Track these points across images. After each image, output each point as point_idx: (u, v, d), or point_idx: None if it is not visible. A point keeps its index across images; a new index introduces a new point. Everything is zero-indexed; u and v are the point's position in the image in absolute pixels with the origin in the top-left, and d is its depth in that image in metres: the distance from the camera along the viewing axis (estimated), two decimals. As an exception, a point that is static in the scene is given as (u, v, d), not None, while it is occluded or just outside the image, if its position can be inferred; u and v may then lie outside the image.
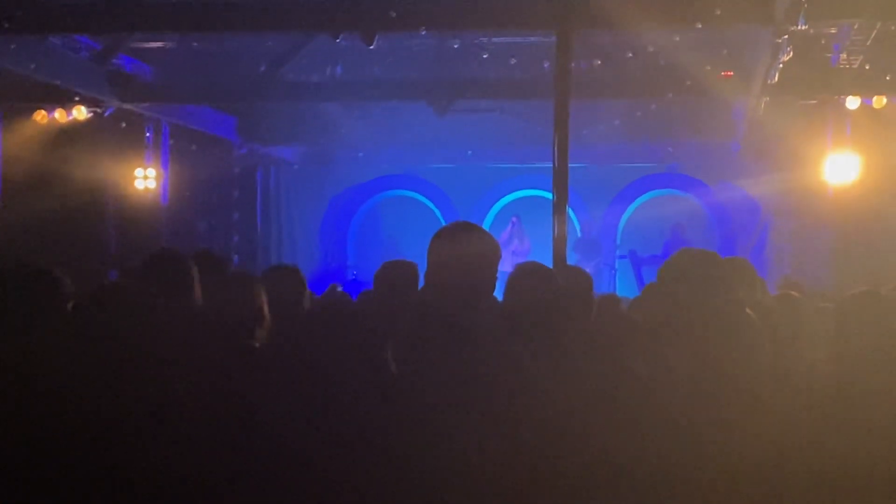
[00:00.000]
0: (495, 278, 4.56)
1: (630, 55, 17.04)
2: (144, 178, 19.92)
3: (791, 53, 13.90)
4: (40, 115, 18.09)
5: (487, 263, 4.49)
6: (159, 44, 17.68)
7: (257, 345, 5.01)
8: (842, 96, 17.21)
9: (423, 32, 15.66)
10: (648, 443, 4.43)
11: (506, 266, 17.48)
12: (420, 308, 4.39)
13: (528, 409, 4.18)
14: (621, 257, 24.56)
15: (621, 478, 4.33)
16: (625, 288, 22.66)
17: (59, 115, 18.05)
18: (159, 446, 3.70)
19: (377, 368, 4.22)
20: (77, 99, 17.68)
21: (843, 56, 16.15)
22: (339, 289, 13.17)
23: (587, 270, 6.74)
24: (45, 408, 3.67)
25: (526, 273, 5.69)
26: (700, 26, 14.00)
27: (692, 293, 4.79)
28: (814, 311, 6.53)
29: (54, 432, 3.61)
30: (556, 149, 10.73)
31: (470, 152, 23.26)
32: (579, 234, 23.97)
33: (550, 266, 10.09)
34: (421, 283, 5.10)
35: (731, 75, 17.03)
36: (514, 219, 23.98)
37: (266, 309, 5.31)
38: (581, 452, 4.45)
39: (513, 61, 17.59)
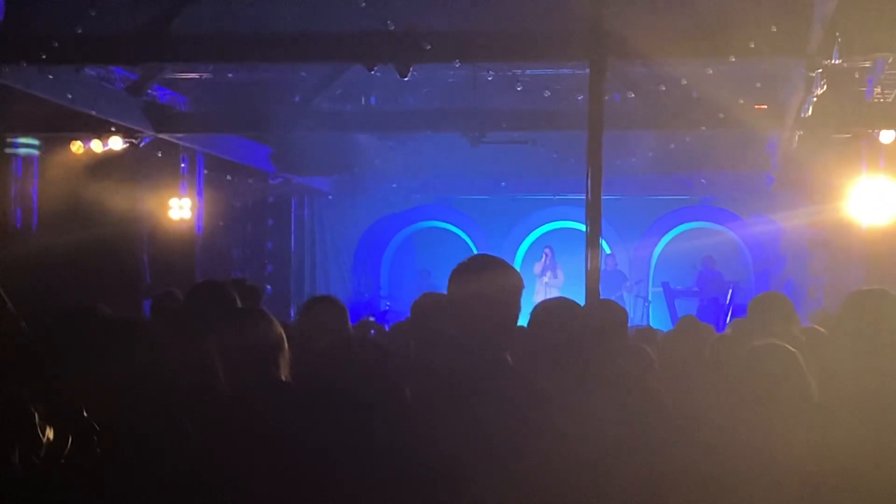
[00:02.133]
0: (518, 313, 4.52)
1: (663, 87, 17.03)
2: (179, 208, 20.01)
3: (825, 87, 13.86)
4: (76, 146, 18.20)
5: (509, 299, 4.46)
6: (194, 74, 17.80)
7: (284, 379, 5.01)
8: (876, 130, 17.15)
9: (457, 64, 15.71)
10: (683, 478, 4.43)
11: (539, 297, 17.43)
12: (447, 343, 4.37)
13: (554, 445, 4.18)
14: (654, 289, 24.54)
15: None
16: (658, 320, 22.62)
17: (96, 145, 18.15)
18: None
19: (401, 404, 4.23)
20: (113, 129, 17.78)
21: (877, 90, 16.12)
22: (372, 319, 13.21)
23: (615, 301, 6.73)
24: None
25: (549, 310, 5.69)
26: (734, 59, 13.99)
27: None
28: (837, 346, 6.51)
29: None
30: (589, 180, 10.74)
31: (503, 183, 23.30)
32: (604, 266, 23.93)
33: (583, 298, 10.13)
34: None
35: (764, 108, 17.00)
36: (546, 250, 23.97)
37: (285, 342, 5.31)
38: (606, 488, 4.46)
39: (547, 93, 17.61)
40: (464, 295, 4.42)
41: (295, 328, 6.79)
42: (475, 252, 23.14)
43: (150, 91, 17.59)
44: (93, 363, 4.03)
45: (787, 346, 5.04)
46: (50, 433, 3.46)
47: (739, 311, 18.62)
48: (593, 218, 10.75)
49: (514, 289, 4.49)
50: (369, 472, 3.54)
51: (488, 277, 4.43)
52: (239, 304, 6.29)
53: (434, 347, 5.66)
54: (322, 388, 4.02)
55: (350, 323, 6.73)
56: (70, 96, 15.64)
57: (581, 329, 5.60)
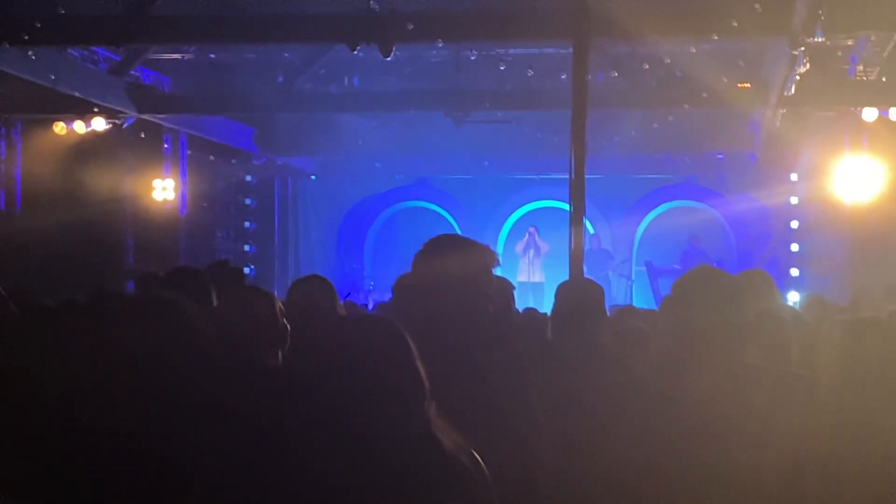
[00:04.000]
0: (489, 291, 4.45)
1: (646, 66, 17.05)
2: (163, 189, 19.98)
3: (808, 65, 13.89)
4: (59, 127, 18.15)
5: (477, 278, 4.40)
6: (177, 55, 17.77)
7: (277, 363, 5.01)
8: (858, 108, 17.18)
9: (440, 44, 15.70)
10: (663, 455, 4.44)
11: (522, 276, 17.47)
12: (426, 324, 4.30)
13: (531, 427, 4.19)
14: (638, 268, 24.57)
15: (630, 489, 4.35)
16: (641, 299, 22.67)
17: (78, 126, 18.10)
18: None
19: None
20: (96, 110, 17.73)
21: (860, 68, 16.16)
22: (350, 300, 13.19)
23: (597, 281, 6.71)
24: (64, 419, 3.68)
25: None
26: (717, 38, 14.01)
27: (711, 306, 4.78)
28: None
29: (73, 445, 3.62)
30: (572, 160, 10.75)
31: (487, 163, 23.29)
32: (588, 246, 23.98)
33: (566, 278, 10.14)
34: None
35: (748, 87, 17.03)
36: (531, 229, 23.98)
37: (284, 321, 5.31)
38: (591, 467, 4.48)
39: (530, 72, 17.62)
40: (427, 277, 4.38)
41: (284, 307, 6.81)
42: (459, 232, 23.19)
43: (133, 72, 17.55)
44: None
45: (774, 321, 5.06)
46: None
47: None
48: (577, 197, 10.76)
49: (482, 268, 4.43)
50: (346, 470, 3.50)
51: (451, 258, 4.38)
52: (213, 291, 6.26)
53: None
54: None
55: (340, 301, 6.72)
56: (53, 77, 15.59)
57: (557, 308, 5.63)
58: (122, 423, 3.56)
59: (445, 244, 4.53)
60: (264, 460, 3.38)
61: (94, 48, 16.33)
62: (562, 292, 6.07)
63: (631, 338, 6.61)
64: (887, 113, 17.14)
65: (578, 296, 5.98)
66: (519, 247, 23.90)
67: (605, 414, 4.74)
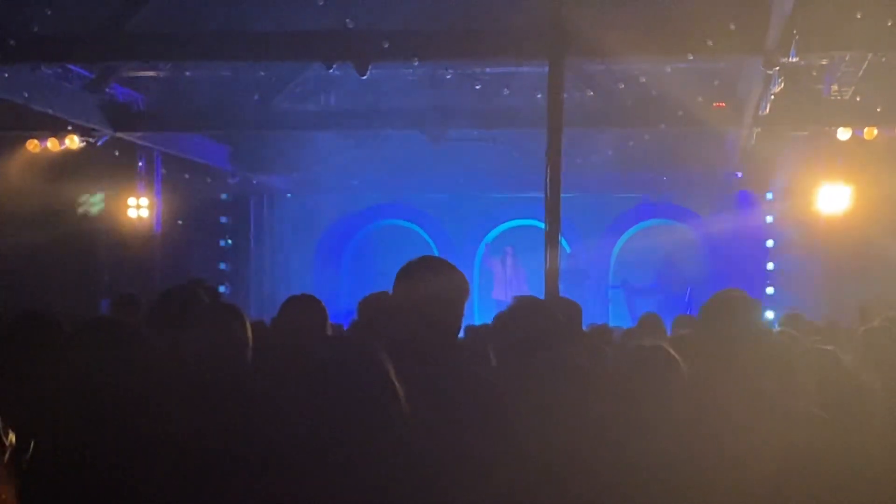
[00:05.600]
0: (461, 317, 4.48)
1: (622, 86, 17.09)
2: (137, 207, 19.92)
3: (783, 85, 13.94)
4: (33, 145, 18.06)
5: (454, 301, 4.42)
6: (152, 73, 17.70)
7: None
8: (833, 127, 17.24)
9: (416, 63, 15.70)
10: (645, 474, 4.43)
11: (499, 295, 17.43)
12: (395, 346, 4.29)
13: (512, 445, 4.16)
14: (614, 287, 24.58)
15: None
16: (618, 317, 22.66)
17: (52, 144, 18.01)
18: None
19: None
20: (70, 128, 17.66)
21: (835, 87, 16.21)
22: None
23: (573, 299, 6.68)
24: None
25: (520, 308, 5.65)
26: (692, 57, 14.03)
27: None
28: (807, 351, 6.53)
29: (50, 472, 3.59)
30: (548, 179, 10.72)
31: (463, 181, 23.27)
32: (564, 265, 23.90)
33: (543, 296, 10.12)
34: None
35: (723, 106, 17.07)
36: (508, 249, 23.96)
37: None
38: (568, 488, 4.45)
39: (506, 91, 17.63)
40: (408, 298, 4.38)
41: (272, 327, 6.75)
42: (435, 251, 23.17)
43: (107, 89, 17.48)
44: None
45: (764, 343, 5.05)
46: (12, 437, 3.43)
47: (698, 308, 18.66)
48: (553, 216, 10.74)
49: (460, 291, 4.46)
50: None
51: (433, 280, 4.39)
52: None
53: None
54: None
55: (329, 322, 6.67)
56: (26, 95, 15.53)
57: (539, 326, 5.58)
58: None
59: (427, 265, 4.54)
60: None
61: (68, 65, 16.25)
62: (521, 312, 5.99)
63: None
64: (861, 132, 17.20)
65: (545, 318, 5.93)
66: (496, 266, 23.89)
67: (583, 436, 4.72)
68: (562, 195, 10.76)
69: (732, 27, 12.42)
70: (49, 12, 13.60)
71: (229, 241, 24.10)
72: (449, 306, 4.39)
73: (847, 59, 14.81)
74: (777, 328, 10.08)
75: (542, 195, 10.87)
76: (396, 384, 3.45)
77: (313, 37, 13.85)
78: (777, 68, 13.24)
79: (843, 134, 17.25)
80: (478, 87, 17.74)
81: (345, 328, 9.95)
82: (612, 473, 4.53)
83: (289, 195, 25.49)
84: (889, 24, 12.43)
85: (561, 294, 10.63)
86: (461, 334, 4.78)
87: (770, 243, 21.74)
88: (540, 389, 4.76)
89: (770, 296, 20.97)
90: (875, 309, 11.10)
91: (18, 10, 13.56)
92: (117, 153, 19.28)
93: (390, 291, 4.49)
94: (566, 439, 4.61)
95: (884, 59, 14.68)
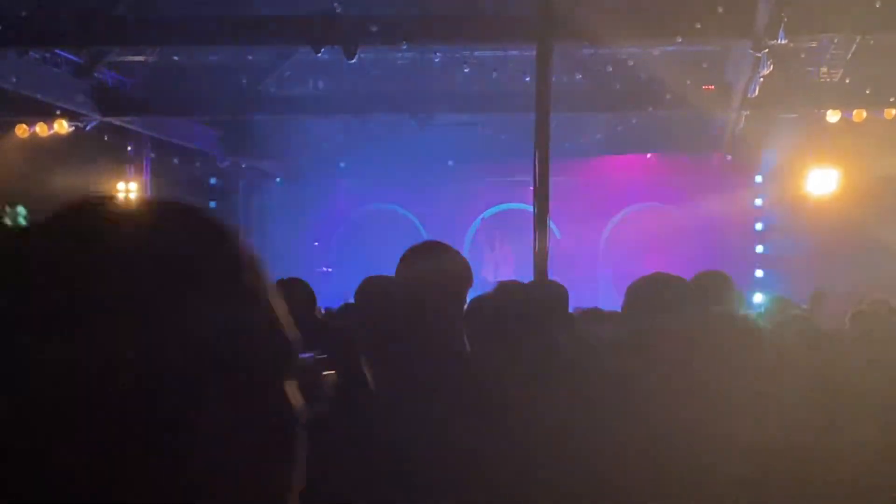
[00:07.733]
0: (464, 302, 4.48)
1: (610, 69, 17.09)
2: (126, 192, 19.87)
3: (771, 67, 13.95)
4: (21, 130, 18.00)
5: (458, 285, 4.42)
6: (140, 58, 17.66)
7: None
8: (822, 110, 17.26)
9: (405, 47, 15.68)
10: (632, 453, 4.43)
11: (488, 274, 17.41)
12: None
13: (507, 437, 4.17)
14: (603, 271, 24.59)
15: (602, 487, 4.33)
16: (607, 302, 22.66)
17: (41, 129, 17.95)
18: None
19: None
20: (58, 113, 17.61)
21: (824, 70, 16.22)
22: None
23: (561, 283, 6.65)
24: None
25: (498, 291, 5.64)
26: (680, 40, 14.04)
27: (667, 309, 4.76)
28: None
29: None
30: (536, 162, 10.72)
31: (452, 164, 23.25)
32: (552, 249, 23.95)
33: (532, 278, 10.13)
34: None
35: (712, 89, 17.08)
36: (496, 232, 24.00)
37: None
38: (560, 467, 4.45)
39: (494, 75, 17.62)
40: (413, 278, 4.38)
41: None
42: (424, 234, 23.16)
43: (96, 74, 17.43)
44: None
45: (741, 324, 5.04)
46: None
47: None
48: (541, 200, 10.73)
49: (463, 277, 4.46)
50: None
51: (439, 262, 4.39)
52: None
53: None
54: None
55: (317, 306, 6.62)
56: (14, 79, 15.48)
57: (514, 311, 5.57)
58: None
59: (432, 247, 4.55)
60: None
61: (56, 50, 16.20)
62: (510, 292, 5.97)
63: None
64: (850, 115, 17.22)
65: (541, 295, 5.94)
66: (485, 249, 23.93)
67: (565, 421, 4.72)
68: (550, 179, 10.76)
69: (721, 10, 12.43)
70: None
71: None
72: (452, 291, 4.39)
73: (836, 41, 14.82)
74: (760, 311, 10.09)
75: (531, 179, 10.87)
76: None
77: (302, 21, 13.84)
78: (766, 51, 13.26)
79: (832, 116, 17.28)
80: (466, 71, 17.72)
81: (334, 311, 9.93)
82: (602, 460, 4.53)
83: (278, 179, 25.46)
84: (877, 5, 12.45)
85: (550, 277, 10.63)
86: None
87: (759, 226, 21.76)
88: (530, 376, 4.76)
89: (759, 279, 21.00)
90: (829, 295, 11.15)
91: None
92: (106, 138, 19.23)
93: (385, 275, 4.49)
94: (558, 425, 4.61)
95: (872, 42, 14.69)
